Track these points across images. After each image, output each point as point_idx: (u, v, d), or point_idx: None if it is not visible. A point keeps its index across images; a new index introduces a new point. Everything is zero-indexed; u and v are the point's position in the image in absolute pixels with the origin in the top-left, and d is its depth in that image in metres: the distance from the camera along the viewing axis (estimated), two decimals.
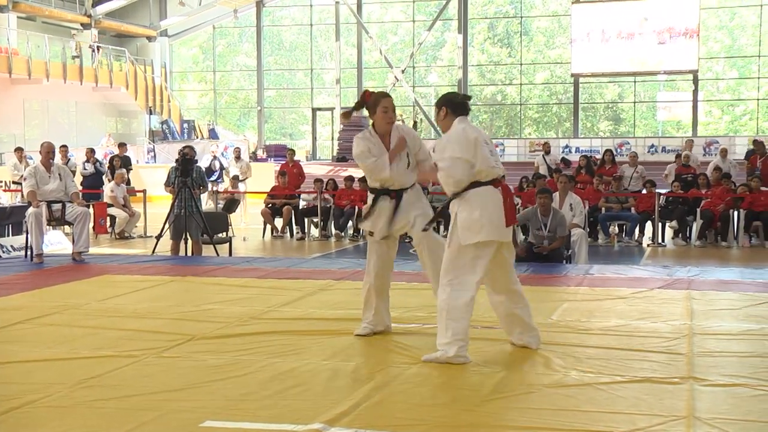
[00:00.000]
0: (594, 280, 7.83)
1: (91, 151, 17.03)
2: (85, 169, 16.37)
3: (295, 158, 17.25)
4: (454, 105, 4.97)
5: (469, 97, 5.18)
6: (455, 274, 4.80)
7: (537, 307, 5.58)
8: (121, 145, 18.33)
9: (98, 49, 28.49)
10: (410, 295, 6.74)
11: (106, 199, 14.78)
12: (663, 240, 13.70)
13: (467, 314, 4.78)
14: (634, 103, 32.72)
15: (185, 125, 32.01)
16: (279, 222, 15.03)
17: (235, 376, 4.55)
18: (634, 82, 31.53)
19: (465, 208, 4.79)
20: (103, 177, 16.56)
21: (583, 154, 19.00)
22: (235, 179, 16.97)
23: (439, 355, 4.78)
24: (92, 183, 16.27)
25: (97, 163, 16.68)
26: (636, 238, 13.71)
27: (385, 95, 5.46)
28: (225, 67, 35.90)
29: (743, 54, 31.43)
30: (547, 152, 18.44)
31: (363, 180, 15.01)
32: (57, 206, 9.50)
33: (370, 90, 5.57)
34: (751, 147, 17.95)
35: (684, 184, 14.49)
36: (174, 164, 10.53)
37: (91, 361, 4.90)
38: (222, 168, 18.17)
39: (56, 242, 12.32)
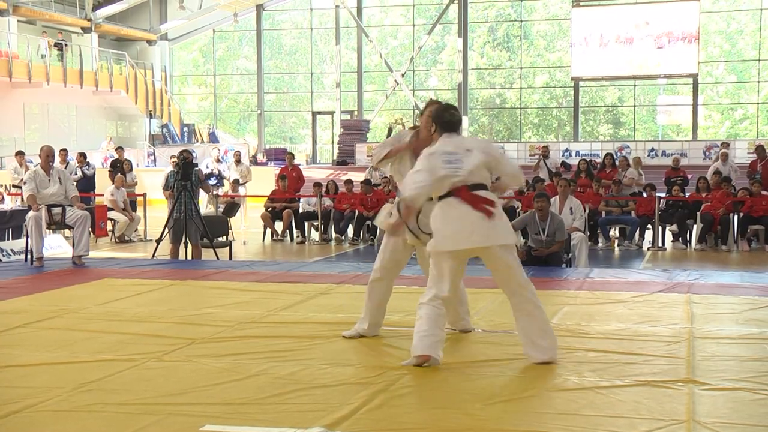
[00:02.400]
0: (594, 283, 7.83)
1: (81, 156, 17.08)
2: (75, 174, 16.40)
3: (295, 162, 17.25)
4: (446, 124, 4.94)
5: (459, 118, 5.06)
6: (434, 279, 4.86)
7: None
8: (119, 149, 18.36)
9: (66, 47, 28.33)
10: (411, 299, 6.72)
11: (106, 203, 14.79)
12: (663, 243, 13.69)
13: (440, 317, 4.82)
14: (634, 106, 32.73)
15: (185, 129, 32.01)
16: (279, 226, 15.03)
17: (235, 380, 4.54)
18: (634, 85, 31.54)
19: (435, 218, 4.84)
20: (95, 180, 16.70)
21: (583, 157, 18.97)
22: (236, 183, 16.97)
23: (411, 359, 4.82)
24: (83, 187, 16.29)
25: (84, 167, 16.72)
26: (636, 241, 13.69)
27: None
28: (225, 71, 35.91)
29: (742, 58, 31.48)
30: (546, 156, 18.39)
31: (365, 183, 15.00)
32: (57, 210, 9.49)
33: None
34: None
35: (672, 187, 14.54)
36: (172, 168, 10.54)
37: (90, 365, 4.89)
38: (221, 175, 18.15)
39: (56, 246, 12.31)
